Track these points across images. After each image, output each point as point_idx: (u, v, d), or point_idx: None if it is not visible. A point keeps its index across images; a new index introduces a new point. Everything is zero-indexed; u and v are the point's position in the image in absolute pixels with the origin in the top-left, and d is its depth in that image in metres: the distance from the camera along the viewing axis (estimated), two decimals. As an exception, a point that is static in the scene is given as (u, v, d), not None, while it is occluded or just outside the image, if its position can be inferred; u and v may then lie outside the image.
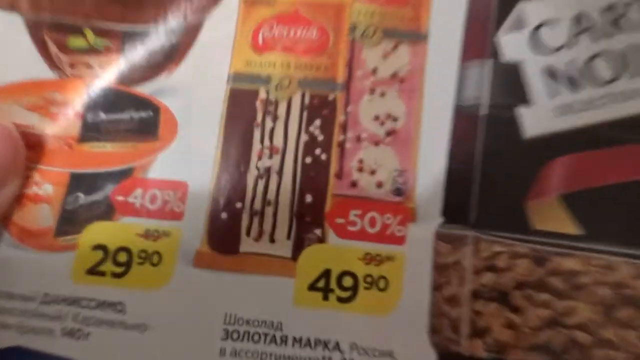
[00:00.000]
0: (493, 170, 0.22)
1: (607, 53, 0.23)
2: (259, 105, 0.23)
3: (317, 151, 0.22)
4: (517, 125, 0.22)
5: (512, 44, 0.23)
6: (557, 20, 0.23)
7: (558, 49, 0.23)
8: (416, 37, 0.23)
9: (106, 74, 0.23)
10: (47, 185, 0.22)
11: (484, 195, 0.22)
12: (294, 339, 0.20)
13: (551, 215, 0.22)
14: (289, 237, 0.22)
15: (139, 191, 0.22)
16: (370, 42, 0.23)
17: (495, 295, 0.21)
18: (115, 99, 0.23)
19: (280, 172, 0.22)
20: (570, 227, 0.22)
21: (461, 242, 0.22)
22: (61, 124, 0.23)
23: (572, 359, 0.20)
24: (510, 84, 0.23)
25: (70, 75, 0.23)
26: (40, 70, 0.23)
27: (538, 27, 0.23)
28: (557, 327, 0.21)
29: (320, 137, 0.23)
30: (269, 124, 0.23)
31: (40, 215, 0.22)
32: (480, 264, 0.21)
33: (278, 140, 0.23)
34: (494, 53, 0.23)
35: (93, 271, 0.21)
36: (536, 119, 0.22)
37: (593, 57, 0.23)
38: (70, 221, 0.22)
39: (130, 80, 0.23)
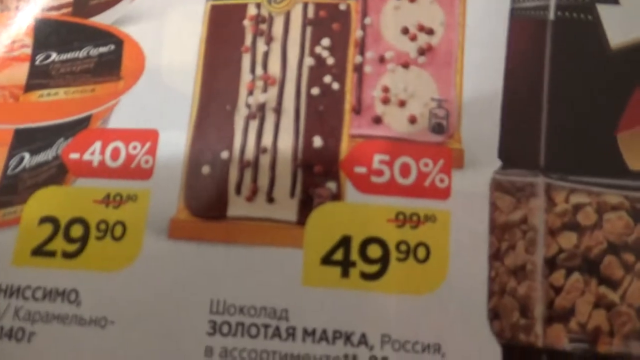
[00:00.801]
0: (567, 93, 0.17)
1: None
2: (247, 23, 0.19)
3: (327, 79, 0.18)
4: (598, 32, 0.17)
5: None
6: None
7: None
8: None
9: (56, 2, 0.20)
10: None
11: (556, 128, 0.17)
12: (305, 331, 0.16)
13: None
14: (292, 194, 0.17)
15: (97, 145, 0.18)
16: None
17: (579, 264, 0.16)
18: (68, 33, 0.20)
19: (278, 109, 0.18)
20: None
21: (528, 192, 0.17)
22: (3, 70, 0.20)
23: None
24: None
25: (13, 8, 0.20)
26: None
27: None
28: None
29: (331, 60, 0.18)
30: (261, 47, 0.19)
31: None
32: (557, 221, 0.17)
33: (274, 68, 0.18)
34: None
35: (40, 251, 0.17)
36: (625, 21, 0.17)
37: None
38: (12, 189, 0.19)
39: (87, 8, 0.20)
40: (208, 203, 0.17)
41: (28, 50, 0.19)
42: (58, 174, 0.18)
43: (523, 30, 0.18)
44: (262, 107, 0.18)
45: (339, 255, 0.16)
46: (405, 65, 0.17)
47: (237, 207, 0.17)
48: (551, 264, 0.16)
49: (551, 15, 0.17)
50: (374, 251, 0.16)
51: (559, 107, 0.17)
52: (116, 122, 0.18)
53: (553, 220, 0.16)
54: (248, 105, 0.18)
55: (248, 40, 0.18)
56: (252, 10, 0.19)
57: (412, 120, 0.17)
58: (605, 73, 0.17)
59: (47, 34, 0.20)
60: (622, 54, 0.17)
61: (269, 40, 0.18)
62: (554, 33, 0.17)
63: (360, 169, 0.17)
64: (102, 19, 0.19)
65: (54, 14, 0.20)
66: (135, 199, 0.17)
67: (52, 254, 0.17)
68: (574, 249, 0.16)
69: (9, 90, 0.19)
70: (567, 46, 0.17)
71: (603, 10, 0.17)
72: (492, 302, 0.16)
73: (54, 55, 0.19)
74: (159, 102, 0.18)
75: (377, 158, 0.17)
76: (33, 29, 0.20)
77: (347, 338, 0.16)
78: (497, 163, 0.17)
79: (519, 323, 0.16)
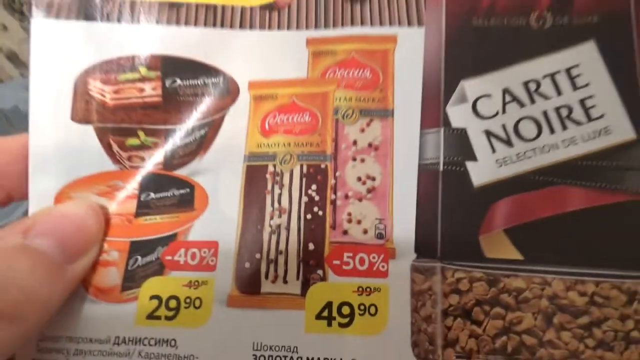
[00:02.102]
0: (451, 213, 0.24)
1: (529, 117, 0.25)
2: (268, 177, 0.25)
3: (315, 209, 0.24)
4: (467, 177, 0.24)
5: (458, 114, 0.25)
6: (490, 94, 0.26)
7: (493, 116, 0.25)
8: (385, 113, 0.26)
9: (154, 163, 0.25)
10: (113, 252, 0.24)
11: (445, 233, 0.24)
12: (307, 358, 0.22)
13: (498, 245, 0.23)
14: (297, 278, 0.23)
15: (182, 251, 0.24)
16: (349, 121, 0.26)
17: (460, 313, 0.23)
18: (161, 181, 0.25)
19: (288, 228, 0.24)
20: (514, 253, 0.24)
21: (431, 272, 0.23)
22: (122, 204, 0.25)
23: (523, 359, 0.22)
24: (460, 145, 0.24)
25: (128, 167, 0.25)
26: (106, 164, 0.25)
27: (476, 100, 0.26)
28: (509, 333, 0.23)
29: (317, 198, 0.24)
30: (277, 190, 0.24)
31: (110, 276, 0.24)
32: (447, 288, 0.23)
33: (285, 203, 0.24)
34: (446, 122, 0.25)
35: (151, 316, 0.23)
36: (481, 171, 0.24)
37: (520, 120, 0.25)
38: (131, 279, 0.24)
39: (172, 166, 0.25)
40: (249, 285, 0.23)
41: (136, 192, 0.25)
42: (159, 269, 0.23)
43: (425, 176, 0.24)
44: (278, 227, 0.23)
45: (325, 314, 0.22)
46: (360, 199, 0.24)
47: (266, 286, 0.23)
48: (445, 314, 0.22)
49: (441, 167, 0.24)
50: (346, 310, 0.22)
51: (447, 221, 0.23)
52: (192, 236, 0.24)
53: (445, 288, 0.23)
54: (270, 226, 0.23)
55: (269, 187, 0.24)
56: (270, 169, 0.24)
57: (365, 232, 0.23)
58: (472, 201, 0.24)
59: (147, 181, 0.25)
60: (481, 190, 0.24)
61: (281, 187, 0.24)
62: (442, 178, 0.24)
63: (336, 262, 0.23)
64: (182, 172, 0.25)
65: (152, 169, 0.25)
66: (207, 283, 0.23)
67: (159, 317, 0.22)
68: (457, 304, 0.23)
69: (125, 216, 0.25)
70: (450, 185, 0.24)
71: (469, 164, 0.24)
72: (413, 337, 0.22)
73: (152, 195, 0.25)
74: (218, 225, 0.23)
75: (345, 255, 0.23)
76: (139, 180, 0.25)
77: None
78: (414, 255, 0.23)
79: (429, 349, 0.22)
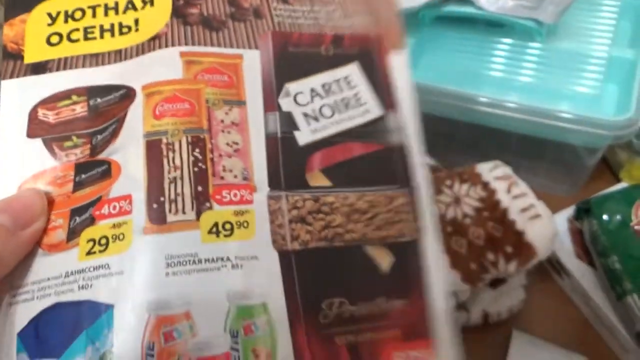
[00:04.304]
0: (288, 162, 0.34)
1: (327, 104, 0.43)
2: (163, 146, 0.33)
3: (200, 164, 0.32)
4: (295, 140, 0.35)
5: (286, 104, 0.40)
6: (302, 91, 0.42)
7: (306, 104, 0.41)
8: (240, 103, 0.35)
9: (84, 155, 0.34)
10: (59, 219, 0.32)
11: (286, 174, 0.34)
12: (205, 259, 0.29)
13: (317, 178, 0.34)
14: (192, 209, 0.31)
15: (106, 206, 0.31)
16: (217, 107, 0.38)
17: (299, 219, 0.32)
18: (88, 166, 0.34)
19: (182, 178, 0.32)
20: (326, 182, 0.34)
21: (279, 198, 0.32)
22: (63, 187, 0.33)
23: (337, 243, 0.34)
24: (289, 122, 0.36)
25: (66, 161, 0.34)
26: (49, 162, 0.34)
27: (296, 95, 0.42)
28: (328, 228, 0.33)
29: (200, 157, 0.33)
30: (170, 155, 0.32)
31: (58, 236, 0.32)
32: (290, 207, 0.32)
33: (177, 162, 0.32)
34: (279, 107, 0.36)
35: (89, 253, 0.30)
36: (303, 136, 0.36)
37: (322, 106, 0.43)
38: (73, 232, 0.32)
39: (96, 153, 0.34)
40: (158, 218, 0.30)
41: (72, 177, 0.34)
42: (92, 221, 0.32)
43: (270, 141, 0.38)
44: (174, 179, 0.31)
45: (214, 230, 0.30)
46: (230, 157, 0.32)
47: (170, 217, 0.30)
48: (290, 222, 0.36)
49: (279, 134, 0.36)
50: (227, 226, 0.31)
51: (287, 165, 0.37)
52: (113, 194, 0.32)
53: (288, 206, 0.32)
54: (169, 178, 0.31)
55: (164, 153, 0.32)
56: (164, 140, 0.32)
57: (235, 177, 0.32)
58: (299, 154, 0.36)
59: (80, 168, 0.34)
60: (304, 147, 0.36)
61: (173, 152, 0.32)
62: (281, 142, 0.37)
63: (218, 197, 0.31)
64: (102, 155, 0.33)
65: (83, 159, 0.34)
66: (127, 223, 0.30)
67: (94, 252, 0.31)
68: (297, 215, 0.35)
69: (66, 194, 0.33)
70: (285, 146, 0.37)
71: (296, 133, 0.40)
72: (272, 238, 0.32)
73: (83, 176, 0.33)
74: (130, 184, 0.32)
75: (224, 192, 0.32)
76: (74, 169, 0.34)
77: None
78: (268, 189, 0.32)
79: (282, 243, 0.32)
